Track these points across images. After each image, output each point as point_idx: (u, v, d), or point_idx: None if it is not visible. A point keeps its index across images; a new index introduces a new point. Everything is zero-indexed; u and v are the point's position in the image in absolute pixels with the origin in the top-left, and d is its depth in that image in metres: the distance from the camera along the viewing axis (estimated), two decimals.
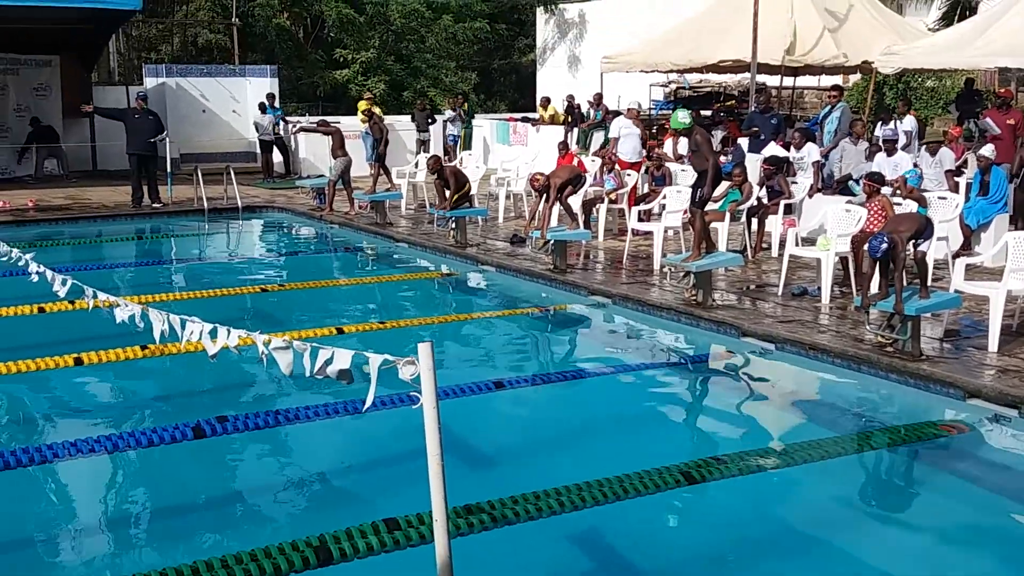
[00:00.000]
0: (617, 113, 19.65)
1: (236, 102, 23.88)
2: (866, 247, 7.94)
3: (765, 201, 12.24)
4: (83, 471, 6.17)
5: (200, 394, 7.66)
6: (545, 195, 11.71)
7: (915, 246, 8.14)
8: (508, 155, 19.27)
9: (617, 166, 14.69)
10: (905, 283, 7.86)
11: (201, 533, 5.44)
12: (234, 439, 6.42)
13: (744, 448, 6.46)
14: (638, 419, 7.44)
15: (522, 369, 8.48)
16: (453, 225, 13.49)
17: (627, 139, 14.98)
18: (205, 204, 16.80)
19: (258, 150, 22.50)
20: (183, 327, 4.64)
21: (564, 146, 16.59)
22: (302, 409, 6.91)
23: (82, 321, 9.04)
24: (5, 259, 7.96)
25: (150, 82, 23.28)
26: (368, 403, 3.98)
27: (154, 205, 17.15)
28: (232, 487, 6.07)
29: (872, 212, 9.71)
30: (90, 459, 6.16)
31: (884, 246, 7.73)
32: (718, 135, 16.43)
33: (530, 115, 25.42)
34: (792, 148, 13.75)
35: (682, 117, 9.78)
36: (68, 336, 8.75)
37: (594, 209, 13.85)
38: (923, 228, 8.16)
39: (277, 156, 22.19)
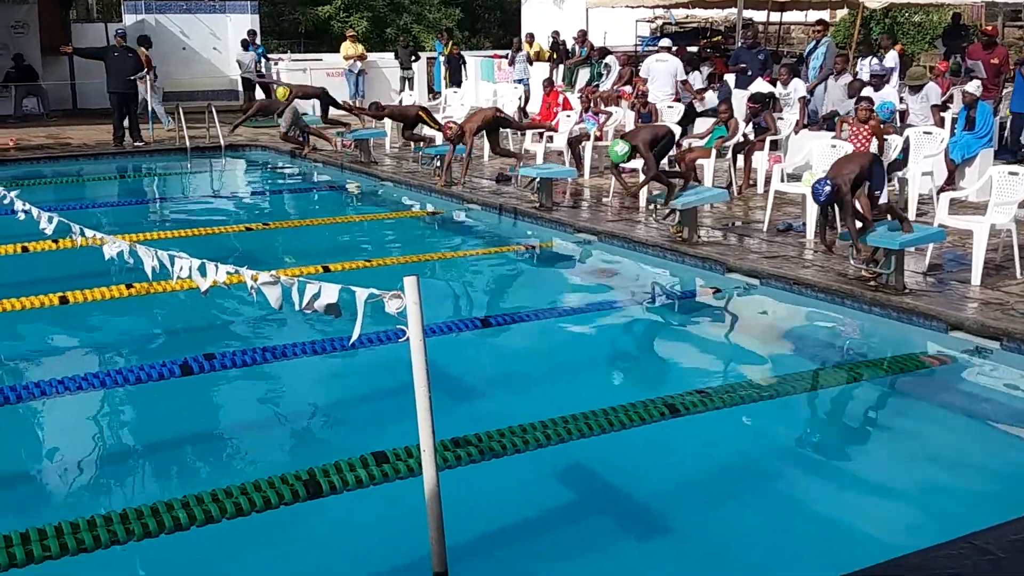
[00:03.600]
0: (604, 51, 19.48)
1: (217, 39, 23.56)
2: (810, 192, 7.85)
3: (751, 137, 12.20)
4: (72, 408, 6.18)
5: (187, 332, 7.67)
6: (460, 143, 12.08)
7: (869, 188, 7.96)
8: (494, 91, 19.11)
9: (601, 104, 14.62)
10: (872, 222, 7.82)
11: (191, 468, 5.49)
12: (222, 376, 6.44)
13: (729, 381, 6.53)
14: (623, 354, 7.50)
15: (507, 306, 8.51)
16: (438, 163, 13.43)
17: (659, 77, 14.81)
18: (187, 143, 16.64)
19: (240, 88, 22.24)
20: (172, 263, 4.64)
21: (549, 83, 16.45)
22: (289, 346, 6.92)
23: (66, 260, 9.04)
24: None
25: (129, 19, 22.90)
26: (355, 337, 4.00)
27: (136, 144, 16.98)
28: (221, 423, 6.11)
29: (858, 140, 9.72)
30: (78, 396, 6.17)
31: (827, 189, 7.65)
32: (705, 71, 16.32)
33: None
34: (779, 84, 13.68)
35: (619, 150, 9.70)
36: (53, 275, 8.72)
37: (580, 147, 13.79)
38: (867, 170, 7.94)
39: (259, 94, 21.94)
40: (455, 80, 21.72)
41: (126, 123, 16.94)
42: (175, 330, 7.79)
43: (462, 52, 23.15)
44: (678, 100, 14.60)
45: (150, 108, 17.51)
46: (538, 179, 11.48)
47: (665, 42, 16.67)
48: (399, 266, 9.36)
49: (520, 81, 19.94)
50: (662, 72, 14.88)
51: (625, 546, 4.76)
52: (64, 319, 7.75)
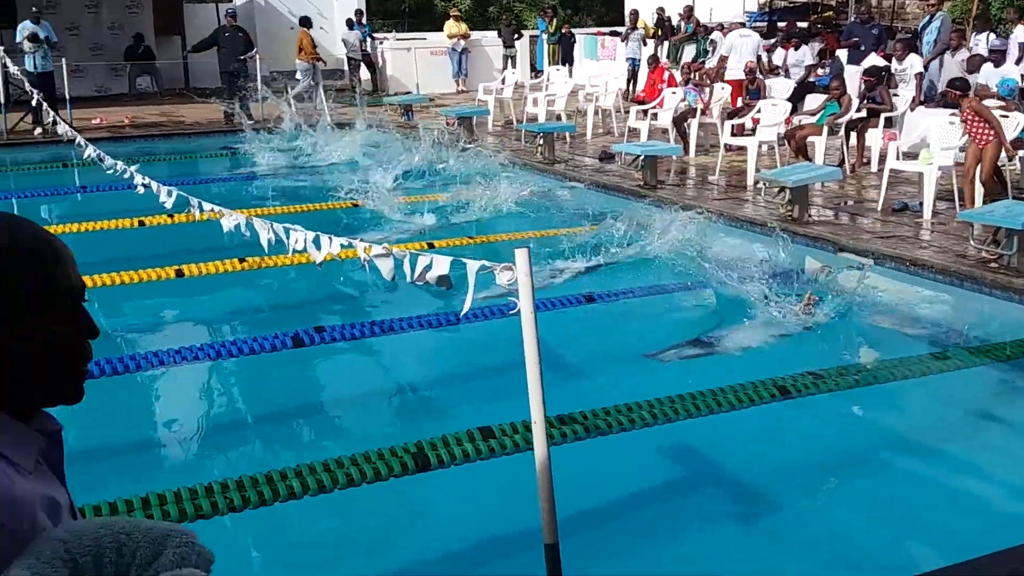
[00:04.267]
0: (708, 28, 19.15)
1: (324, 19, 23.87)
2: None
3: (864, 114, 11.85)
4: (188, 378, 6.37)
5: (298, 305, 7.81)
6: None
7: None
8: (595, 70, 18.97)
9: (699, 79, 14.37)
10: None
11: (303, 438, 5.60)
12: (332, 348, 6.54)
13: (842, 363, 6.36)
14: (732, 334, 7.37)
15: (612, 283, 8.43)
16: (541, 141, 13.39)
17: (741, 53, 14.56)
18: (295, 120, 16.92)
19: (346, 67, 22.53)
20: (288, 236, 4.71)
21: (654, 60, 16.25)
22: (397, 320, 7.00)
23: (182, 234, 9.29)
24: (110, 172, 8.16)
25: None
26: (466, 308, 4.01)
27: (246, 122, 17.34)
28: (331, 395, 6.21)
29: (966, 122, 9.35)
30: (194, 366, 6.36)
31: None
32: (815, 47, 15.91)
33: (618, 29, 24.91)
34: (894, 60, 13.25)
35: None
36: (169, 249, 8.98)
37: (685, 124, 13.60)
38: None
39: (365, 73, 22.20)
40: (567, 59, 21.57)
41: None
42: (287, 303, 7.93)
43: (572, 31, 22.99)
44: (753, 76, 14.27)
45: (259, 85, 17.84)
46: (642, 157, 11.36)
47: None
48: (503, 243, 9.37)
49: (632, 61, 19.71)
50: (744, 47, 14.57)
51: (729, 527, 4.70)
52: (180, 291, 7.96)
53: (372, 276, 4.48)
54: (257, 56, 17.96)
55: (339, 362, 6.45)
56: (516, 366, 5.53)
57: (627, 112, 15.26)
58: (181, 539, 1.38)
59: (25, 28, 16.06)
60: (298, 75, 19.07)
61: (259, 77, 18.01)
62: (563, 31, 22.02)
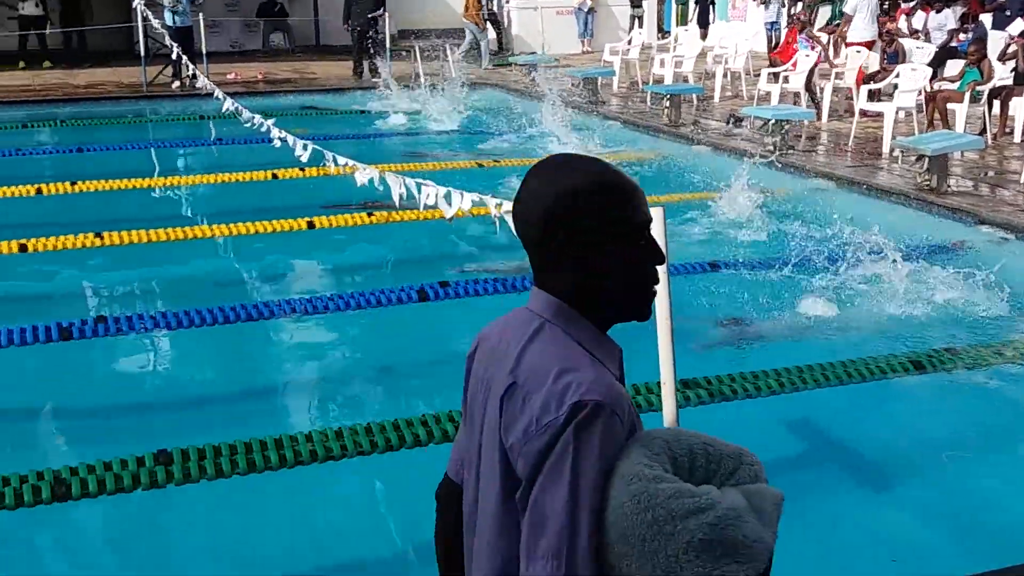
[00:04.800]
0: None
1: None
2: None
3: (1010, 82, 11.31)
4: (316, 327, 6.54)
5: (424, 260, 7.91)
6: None
7: None
8: (726, 31, 18.56)
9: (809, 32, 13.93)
10: None
11: (425, 389, 5.69)
12: (456, 303, 6.62)
13: (979, 341, 6.13)
14: (862, 305, 7.17)
15: (736, 251, 8.28)
16: (667, 104, 13.21)
17: (859, 15, 14.08)
18: (423, 80, 17.08)
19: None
20: (419, 191, 4.78)
21: (794, 20, 15.77)
22: (519, 279, 7.03)
23: (313, 188, 9.51)
24: (247, 125, 8.40)
25: None
26: None
27: (373, 80, 17.58)
28: (454, 348, 6.26)
29: None
30: (324, 316, 6.52)
31: None
32: (958, 11, 15.24)
33: None
34: None
35: None
36: (301, 202, 9.20)
37: (816, 87, 13.21)
38: None
39: (491, 32, 22.21)
40: (703, 21, 21.09)
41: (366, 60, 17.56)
42: (413, 258, 8.04)
43: None
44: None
45: (387, 44, 18.01)
46: (772, 121, 11.09)
47: None
48: None
49: (771, 25, 19.15)
50: (869, 7, 14.02)
51: (854, 498, 4.61)
52: (311, 243, 8.14)
53: (502, 232, 4.49)
54: (387, 15, 18.14)
55: (462, 317, 6.51)
56: (641, 327, 5.47)
57: (757, 75, 14.90)
58: (751, 459, 1.57)
59: None
60: (515, 30, 19.42)
61: (388, 35, 18.21)
62: None
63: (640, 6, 22.66)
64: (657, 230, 3.60)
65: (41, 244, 7.73)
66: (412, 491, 4.73)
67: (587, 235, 1.61)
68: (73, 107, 15.28)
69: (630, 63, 17.48)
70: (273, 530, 4.35)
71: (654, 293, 1.70)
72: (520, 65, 18.50)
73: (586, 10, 22.23)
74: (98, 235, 7.87)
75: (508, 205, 4.32)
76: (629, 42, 18.24)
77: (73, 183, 9.93)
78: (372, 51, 17.74)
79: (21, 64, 18.40)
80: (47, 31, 18.79)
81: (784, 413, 5.30)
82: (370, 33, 17.65)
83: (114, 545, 4.24)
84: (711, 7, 21.52)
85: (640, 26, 21.39)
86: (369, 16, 17.45)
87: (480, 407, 1.72)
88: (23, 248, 7.64)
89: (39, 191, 9.70)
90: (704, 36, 19.22)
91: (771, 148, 11.04)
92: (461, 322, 6.39)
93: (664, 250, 3.54)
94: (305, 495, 4.57)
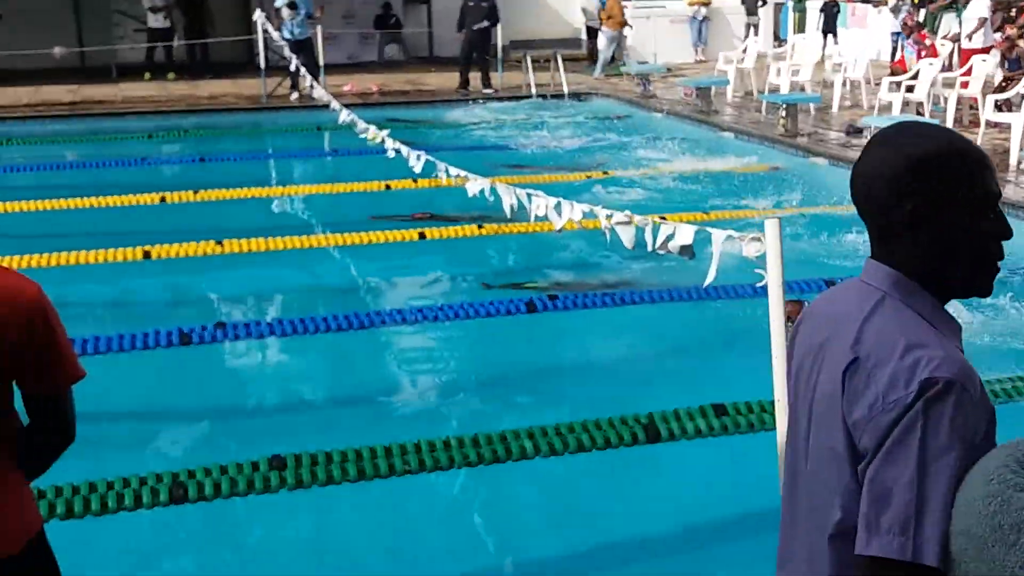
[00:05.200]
0: None
1: None
2: None
3: None
4: (425, 336, 6.60)
5: (532, 271, 7.91)
6: None
7: None
8: (845, 39, 18.12)
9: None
10: None
11: (531, 402, 5.68)
12: (564, 316, 6.60)
13: None
14: (1002, 331, 6.82)
15: (856, 267, 8.04)
16: (783, 113, 12.95)
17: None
18: (533, 90, 17.16)
19: (584, 36, 22.56)
20: (530, 201, 4.78)
21: (916, 27, 15.29)
22: (628, 292, 6.98)
23: (424, 198, 9.62)
24: (362, 136, 8.57)
25: None
26: (709, 279, 3.93)
27: (484, 91, 17.73)
28: (563, 361, 6.27)
29: None
30: (434, 325, 6.58)
31: None
32: None
33: None
34: None
35: None
36: (413, 211, 9.31)
37: (940, 98, 12.78)
38: None
39: (601, 41, 22.16)
40: (830, 28, 20.56)
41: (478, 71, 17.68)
42: (521, 269, 8.05)
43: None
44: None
45: (499, 55, 18.13)
46: None
47: None
48: (739, 220, 9.11)
49: (897, 34, 18.60)
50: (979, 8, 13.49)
51: None
52: (422, 253, 8.21)
53: (611, 245, 4.46)
54: (498, 26, 18.28)
55: (571, 329, 6.50)
56: (751, 343, 5.40)
57: (878, 84, 14.50)
58: None
59: None
60: (600, 43, 19.47)
61: (500, 47, 18.35)
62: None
63: (756, 14, 22.30)
64: (771, 243, 3.52)
65: (164, 251, 8.00)
66: (516, 504, 4.75)
67: (936, 205, 1.59)
68: (196, 118, 15.81)
69: (745, 72, 17.20)
70: (378, 538, 4.40)
71: (998, 269, 1.65)
72: (631, 75, 18.41)
73: (700, 18, 21.99)
74: (218, 243, 8.12)
75: (618, 216, 4.28)
76: (744, 50, 17.96)
77: (195, 191, 10.27)
78: (485, 62, 17.89)
79: (147, 76, 19.14)
80: (174, 43, 19.49)
81: None
82: (481, 44, 17.77)
83: (225, 548, 4.34)
84: (837, 14, 20.97)
85: (755, 34, 21.02)
86: (475, 28, 17.60)
87: (809, 374, 1.71)
88: (147, 255, 7.93)
89: (163, 199, 10.06)
90: (830, 44, 18.73)
91: None
92: (569, 335, 6.38)
93: (780, 261, 3.48)
94: (411, 504, 4.61)
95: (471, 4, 17.79)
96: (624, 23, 19.60)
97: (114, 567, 4.07)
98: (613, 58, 22.02)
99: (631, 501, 4.69)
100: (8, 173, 11.79)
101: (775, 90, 15.38)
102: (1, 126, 15.01)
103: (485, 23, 17.69)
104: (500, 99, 17.50)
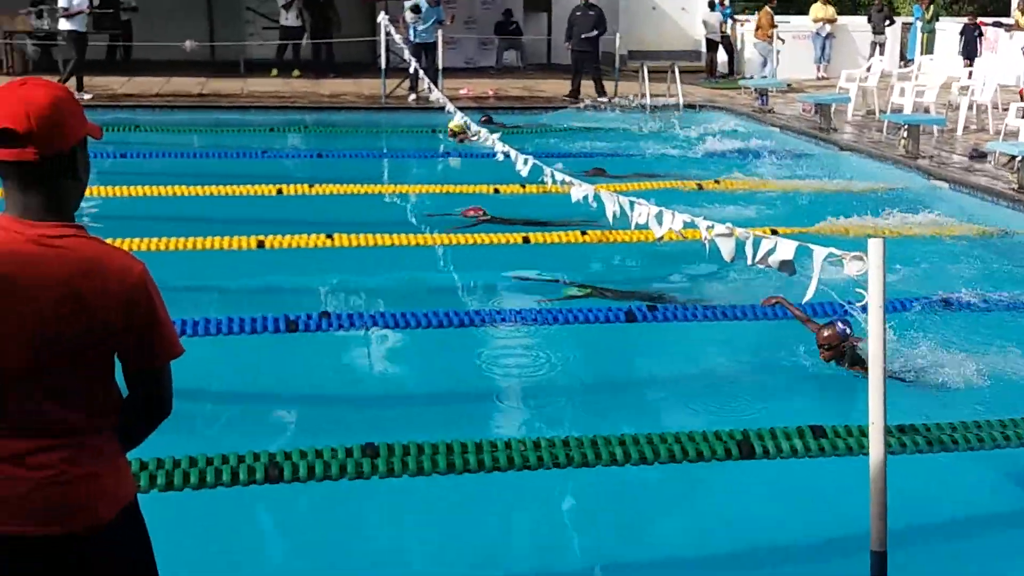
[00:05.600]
0: None
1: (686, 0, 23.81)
2: None
3: None
4: (523, 339, 6.63)
5: (633, 281, 7.88)
6: None
7: None
8: (977, 63, 17.54)
9: None
10: None
11: (625, 408, 5.66)
12: (663, 328, 6.57)
13: None
14: None
15: (971, 290, 7.76)
16: (904, 134, 12.62)
17: None
18: (648, 100, 17.09)
19: (703, 48, 22.38)
20: (632, 208, 4.78)
21: None
22: (730, 308, 6.90)
23: (530, 203, 9.69)
24: (475, 139, 8.68)
25: None
26: (808, 296, 3.89)
27: (599, 99, 17.73)
28: (657, 371, 6.22)
29: None
30: (532, 328, 6.62)
31: None
32: None
33: (1003, 20, 22.89)
34: None
35: None
36: (518, 215, 9.38)
37: None
38: None
39: (722, 55, 21.96)
40: (970, 52, 19.91)
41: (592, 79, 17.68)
42: (623, 278, 8.02)
43: (980, 22, 21.23)
44: None
45: (616, 64, 18.09)
46: (1020, 158, 10.39)
47: None
48: (848, 239, 8.90)
49: None
50: None
51: None
52: (525, 257, 8.23)
53: (712, 257, 4.44)
54: (617, 35, 18.28)
55: (669, 340, 6.45)
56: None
57: (1006, 109, 14.00)
58: None
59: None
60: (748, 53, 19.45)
61: (617, 56, 18.34)
62: (968, 22, 20.38)
63: (883, 33, 21.77)
64: (874, 263, 3.46)
65: (277, 241, 8.25)
66: (602, 510, 4.75)
67: None
68: (317, 114, 16.22)
69: (867, 90, 16.80)
70: (459, 531, 4.45)
71: None
72: (749, 88, 18.18)
73: (824, 35, 21.58)
74: (329, 236, 8.33)
75: (719, 228, 4.25)
76: (868, 69, 17.56)
77: (311, 185, 10.55)
78: (597, 71, 17.89)
79: (274, 72, 19.72)
80: (301, 42, 20.03)
81: (1010, 469, 4.95)
82: (591, 53, 17.76)
83: (314, 529, 4.44)
84: (979, 38, 20.25)
85: (881, 53, 20.54)
86: (583, 36, 17.63)
87: None
88: (260, 244, 8.19)
89: (279, 191, 10.36)
90: (968, 66, 18.11)
91: (1016, 186, 10.35)
92: (666, 347, 6.34)
93: (882, 282, 3.41)
94: (497, 501, 4.65)
95: (579, 13, 17.87)
96: (772, 36, 19.28)
97: (207, 540, 4.21)
98: (732, 71, 21.80)
99: (720, 516, 4.64)
100: (136, 159, 12.28)
101: (898, 110, 14.99)
102: (133, 114, 15.66)
103: (593, 32, 17.71)
104: (614, 108, 17.48)
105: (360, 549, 4.28)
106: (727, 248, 4.25)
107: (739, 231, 4.23)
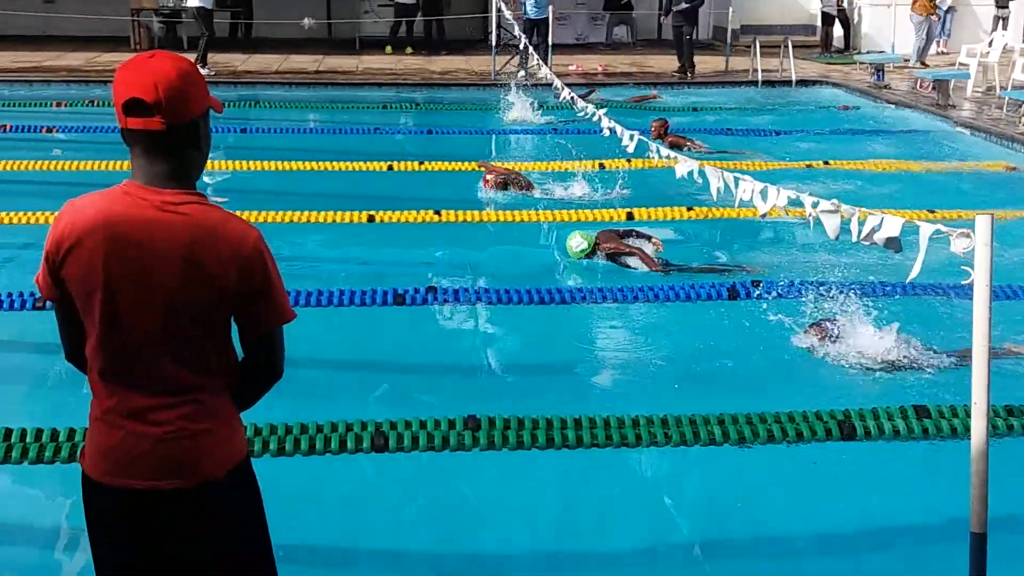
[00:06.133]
0: None
1: None
2: None
3: None
4: (624, 315, 6.66)
5: (738, 257, 7.83)
6: None
7: None
8: None
9: None
10: None
11: (724, 387, 5.65)
12: (764, 304, 6.53)
13: None
14: None
15: None
16: None
17: None
18: (759, 76, 16.82)
19: (819, 23, 21.85)
20: (736, 185, 4.79)
21: None
22: (833, 284, 6.80)
23: (634, 179, 9.70)
24: (581, 115, 8.75)
25: None
26: (914, 274, 3.85)
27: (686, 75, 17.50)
28: (758, 349, 6.17)
29: None
30: (632, 306, 6.66)
31: None
32: None
33: None
34: None
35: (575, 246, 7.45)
36: (622, 191, 9.40)
37: None
38: None
39: (838, 30, 21.41)
40: None
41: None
42: (727, 253, 7.98)
43: None
44: None
45: (728, 39, 17.82)
46: None
47: None
48: (958, 221, 8.63)
49: None
50: None
51: None
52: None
53: (815, 234, 4.42)
54: (731, 10, 18.00)
55: (772, 317, 6.40)
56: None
57: None
58: None
59: None
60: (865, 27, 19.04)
61: (729, 30, 18.09)
62: None
63: (1007, 7, 20.88)
64: (981, 241, 3.40)
65: (387, 216, 8.47)
66: (698, 488, 4.78)
67: None
68: (428, 91, 16.43)
69: (988, 66, 16.19)
70: (558, 505, 4.54)
71: None
72: (865, 64, 17.72)
73: (945, 8, 20.82)
74: (437, 212, 8.51)
75: (824, 205, 4.22)
76: (990, 44, 16.91)
77: (420, 162, 10.76)
78: (689, 44, 17.58)
79: (388, 49, 20.04)
80: (414, 19, 20.31)
81: None
82: (683, 26, 17.49)
83: (415, 499, 4.57)
84: None
85: (1004, 28, 19.73)
86: (675, 9, 17.37)
87: None
88: (371, 218, 8.42)
89: (390, 167, 10.60)
90: None
91: None
92: (768, 323, 6.30)
93: (989, 260, 3.36)
94: (595, 477, 4.73)
95: None
96: (933, 8, 18.62)
97: (313, 504, 4.38)
98: (848, 46, 21.23)
99: (818, 499, 4.63)
100: (254, 134, 12.68)
101: (1020, 87, 14.43)
102: (252, 90, 16.15)
103: (683, 4, 17.42)
104: (723, 83, 17.28)
105: (458, 520, 4.39)
106: (832, 225, 4.23)
107: (844, 208, 4.20)
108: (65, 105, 14.29)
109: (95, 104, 14.17)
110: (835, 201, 4.23)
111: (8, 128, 12.34)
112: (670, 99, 15.82)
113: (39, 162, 10.47)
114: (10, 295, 6.42)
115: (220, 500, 2.44)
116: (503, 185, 9.40)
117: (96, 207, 2.35)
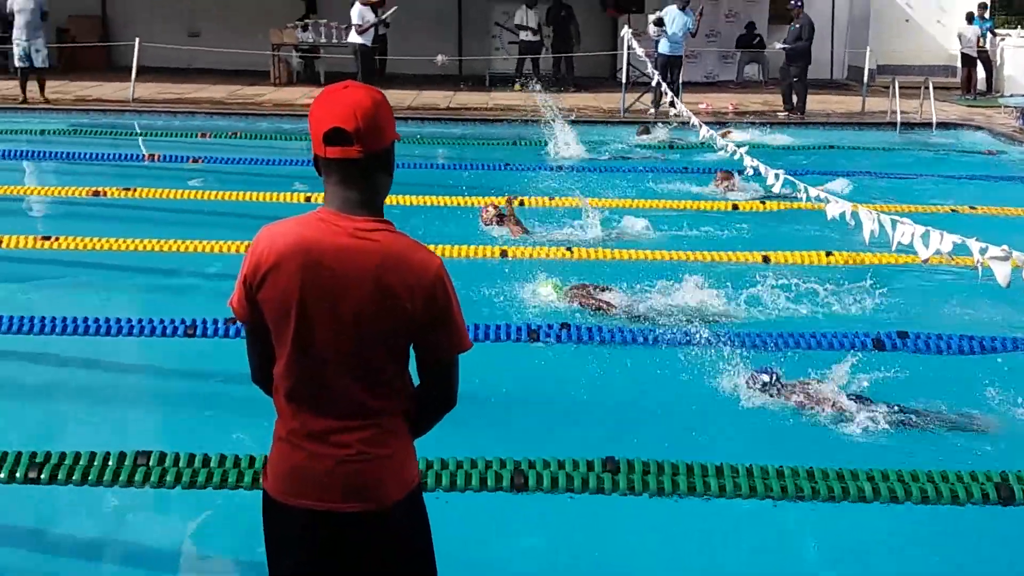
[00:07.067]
0: None
1: (943, 12, 22.64)
2: None
3: None
4: (757, 361, 6.42)
5: (880, 307, 7.51)
6: None
7: None
8: None
9: None
10: None
11: (869, 442, 5.41)
12: (915, 357, 6.26)
13: None
14: None
15: None
16: None
17: None
18: (898, 118, 16.36)
19: (959, 64, 21.19)
20: (894, 228, 4.61)
21: None
22: (990, 338, 6.50)
23: (769, 223, 9.48)
24: (720, 153, 8.62)
25: None
26: None
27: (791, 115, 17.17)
28: (904, 403, 5.88)
29: None
30: (768, 353, 6.43)
31: None
32: None
33: None
34: None
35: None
36: (757, 235, 9.20)
37: None
38: None
39: (980, 71, 20.72)
40: None
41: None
42: (870, 302, 7.66)
43: None
44: None
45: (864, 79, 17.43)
46: None
47: None
48: None
49: None
50: None
51: None
52: (764, 278, 7.94)
53: (977, 284, 4.20)
54: (868, 49, 17.61)
55: (920, 371, 6.13)
56: None
57: None
58: None
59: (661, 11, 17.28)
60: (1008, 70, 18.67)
61: (867, 70, 17.69)
62: None
63: None
64: None
65: (520, 252, 8.48)
66: (845, 547, 4.57)
67: None
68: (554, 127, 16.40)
69: None
70: (690, 556, 4.41)
71: None
72: (1009, 107, 17.07)
73: None
74: (568, 249, 8.50)
75: (994, 251, 4.01)
76: None
77: (550, 198, 10.76)
78: (791, 84, 17.24)
79: (517, 86, 20.25)
80: (541, 56, 20.49)
81: None
82: (792, 64, 17.17)
83: (547, 540, 4.52)
84: None
85: None
86: (781, 47, 17.15)
87: None
88: (504, 253, 8.46)
89: (521, 203, 10.58)
90: None
91: None
92: (917, 378, 6.03)
93: None
94: (732, 527, 4.58)
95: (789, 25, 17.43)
96: None
97: (448, 538, 4.34)
98: (990, 88, 20.53)
99: (975, 564, 4.39)
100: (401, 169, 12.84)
101: None
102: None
103: (784, 44, 17.22)
104: (860, 124, 16.87)
105: (592, 564, 4.31)
106: (1002, 272, 4.01)
107: (1017, 255, 3.98)
108: (209, 136, 14.82)
109: (237, 136, 14.67)
110: (1005, 247, 4.02)
111: (156, 158, 12.85)
112: (806, 140, 15.46)
113: (183, 191, 10.85)
114: (162, 321, 6.62)
115: (398, 523, 2.47)
116: (499, 219, 9.46)
117: (293, 232, 2.42)
